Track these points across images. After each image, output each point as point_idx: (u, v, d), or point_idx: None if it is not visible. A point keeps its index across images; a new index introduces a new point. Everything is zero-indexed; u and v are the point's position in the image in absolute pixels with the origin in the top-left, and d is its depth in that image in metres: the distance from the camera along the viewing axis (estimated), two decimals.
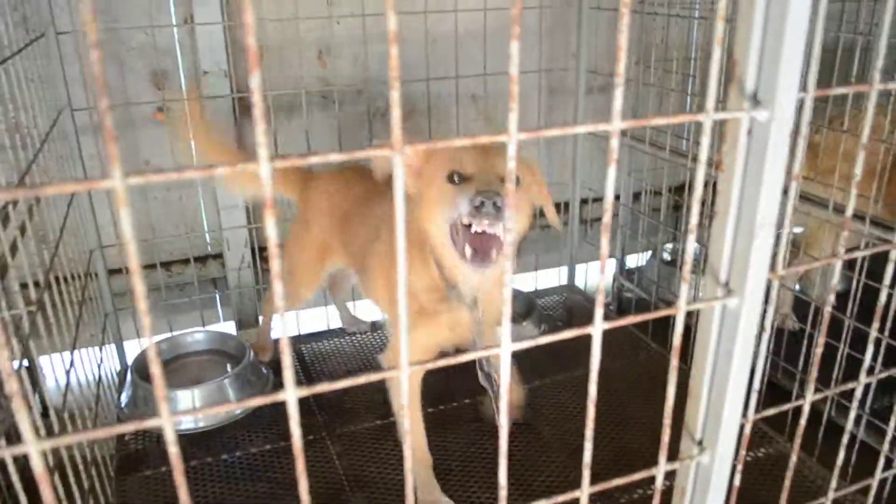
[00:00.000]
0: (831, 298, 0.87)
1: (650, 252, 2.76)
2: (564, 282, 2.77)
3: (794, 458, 0.94)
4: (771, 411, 0.91)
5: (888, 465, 1.10)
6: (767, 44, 0.67)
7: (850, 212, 0.85)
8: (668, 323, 2.37)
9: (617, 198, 2.70)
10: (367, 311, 2.55)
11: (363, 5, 2.29)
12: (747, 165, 0.71)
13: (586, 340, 0.67)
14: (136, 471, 1.85)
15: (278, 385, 2.17)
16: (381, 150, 0.54)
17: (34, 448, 0.49)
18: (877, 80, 0.77)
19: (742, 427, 0.84)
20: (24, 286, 1.31)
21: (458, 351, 1.70)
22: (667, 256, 2.78)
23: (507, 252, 0.91)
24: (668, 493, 0.82)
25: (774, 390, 2.04)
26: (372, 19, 2.32)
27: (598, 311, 0.65)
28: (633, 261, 2.77)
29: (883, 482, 1.20)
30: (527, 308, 2.44)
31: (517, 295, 2.50)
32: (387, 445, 1.91)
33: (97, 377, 1.89)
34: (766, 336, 0.84)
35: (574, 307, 2.64)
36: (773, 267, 0.79)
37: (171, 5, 2.21)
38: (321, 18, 2.36)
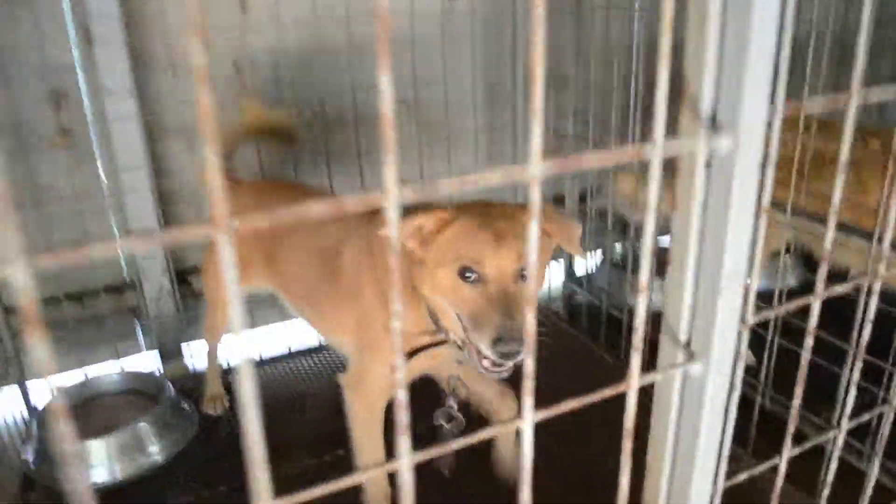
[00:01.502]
0: (809, 344, 0.74)
1: (600, 252, 2.65)
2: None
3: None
4: (742, 476, 0.78)
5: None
6: (727, 51, 0.53)
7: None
8: (620, 328, 2.27)
9: (562, 199, 2.57)
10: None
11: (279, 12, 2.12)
12: (708, 205, 0.58)
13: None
14: None
15: (203, 424, 1.99)
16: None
17: None
18: (856, 89, 0.64)
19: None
20: None
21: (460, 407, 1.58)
22: (617, 259, 2.68)
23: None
24: None
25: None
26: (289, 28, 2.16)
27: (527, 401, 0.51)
28: (581, 265, 2.66)
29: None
30: None
31: None
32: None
33: None
34: (735, 396, 0.71)
35: (572, 304, 2.58)
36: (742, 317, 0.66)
37: (68, 22, 2.01)
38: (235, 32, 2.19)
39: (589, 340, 2.36)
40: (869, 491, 0.97)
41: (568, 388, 0.58)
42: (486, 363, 1.31)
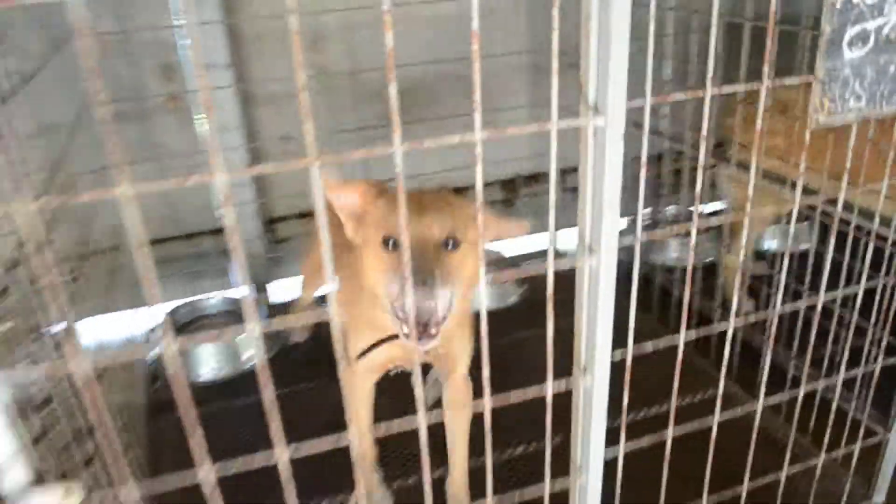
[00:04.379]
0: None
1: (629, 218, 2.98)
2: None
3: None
4: (648, 346, 1.15)
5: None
6: (601, 55, 0.89)
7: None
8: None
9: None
10: None
11: None
12: (596, 159, 0.95)
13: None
14: (164, 412, 2.15)
15: (285, 342, 2.46)
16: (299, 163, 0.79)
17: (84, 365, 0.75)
18: (709, 88, 1.00)
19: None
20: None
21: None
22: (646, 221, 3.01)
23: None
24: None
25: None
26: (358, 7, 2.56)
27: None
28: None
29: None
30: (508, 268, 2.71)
31: (499, 259, 2.77)
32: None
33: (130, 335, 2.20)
34: (634, 285, 1.08)
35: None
36: (633, 231, 1.04)
37: (174, 4, 2.46)
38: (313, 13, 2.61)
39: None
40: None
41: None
42: (405, 329, 1.32)
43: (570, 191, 3.11)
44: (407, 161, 0.77)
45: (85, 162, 2.10)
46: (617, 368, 1.08)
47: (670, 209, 2.92)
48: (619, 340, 1.07)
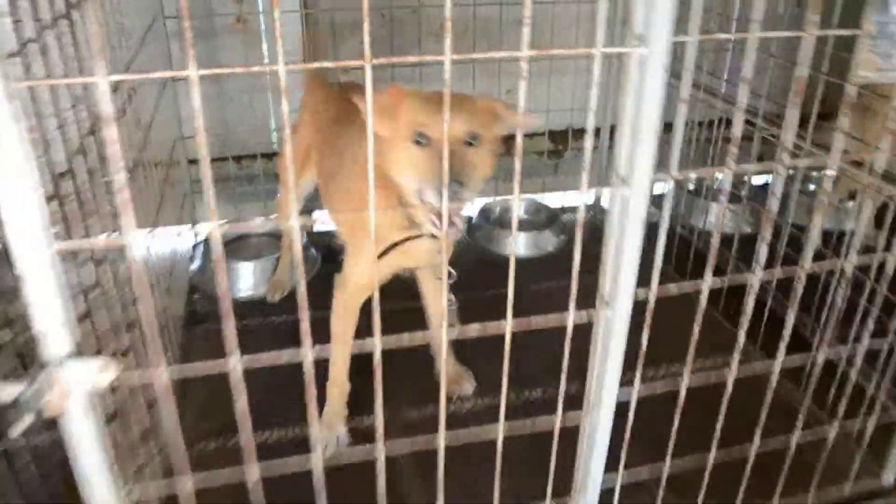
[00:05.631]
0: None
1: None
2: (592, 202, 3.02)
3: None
4: (673, 288, 1.17)
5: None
6: None
7: None
8: (687, 249, 2.57)
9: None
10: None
11: None
12: (638, 90, 0.97)
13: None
14: (200, 324, 2.24)
15: (323, 267, 2.53)
16: (352, 63, 0.83)
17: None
18: (756, 30, 1.00)
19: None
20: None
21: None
22: (691, 186, 2.98)
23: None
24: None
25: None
26: None
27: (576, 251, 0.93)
28: (658, 188, 2.97)
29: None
30: (549, 218, 2.72)
31: (540, 207, 2.79)
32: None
33: (174, 249, 2.29)
34: (663, 226, 1.10)
35: (597, 224, 2.88)
36: (667, 168, 1.05)
37: None
38: None
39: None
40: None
41: None
42: (434, 219, 1.44)
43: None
44: None
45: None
46: (638, 311, 1.11)
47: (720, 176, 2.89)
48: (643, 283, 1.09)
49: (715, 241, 1.14)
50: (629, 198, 1.02)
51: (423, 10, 2.72)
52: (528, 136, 3.01)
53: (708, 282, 1.17)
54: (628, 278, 1.08)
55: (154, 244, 1.89)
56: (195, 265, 2.48)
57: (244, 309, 2.31)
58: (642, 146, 0.98)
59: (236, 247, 2.59)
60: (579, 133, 3.09)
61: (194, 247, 2.60)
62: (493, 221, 2.76)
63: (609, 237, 1.08)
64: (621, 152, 1.01)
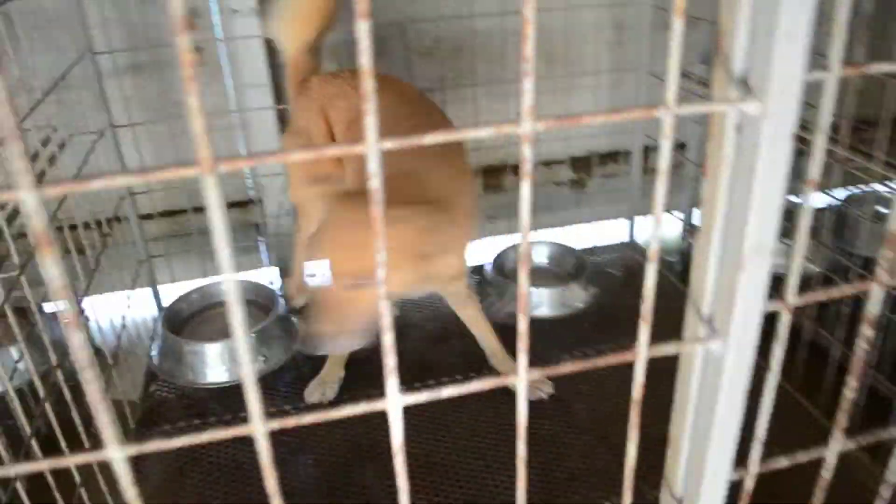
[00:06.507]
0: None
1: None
2: (626, 238, 2.56)
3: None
4: (777, 463, 0.73)
5: None
6: (761, 2, 0.48)
7: None
8: None
9: (682, 146, 2.43)
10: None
11: None
12: (737, 173, 0.53)
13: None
14: (156, 424, 1.83)
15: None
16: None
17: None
18: None
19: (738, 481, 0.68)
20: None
21: None
22: None
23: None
24: None
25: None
26: None
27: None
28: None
29: None
30: (577, 267, 2.26)
31: (565, 251, 2.32)
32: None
33: (122, 323, 1.89)
34: (772, 378, 0.66)
35: (633, 266, 2.42)
36: (779, 294, 0.61)
37: None
38: None
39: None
40: None
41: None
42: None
43: (651, 172, 2.64)
44: None
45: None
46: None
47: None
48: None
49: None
50: (724, 354, 0.58)
51: (412, 25, 2.29)
52: (546, 164, 2.57)
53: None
54: (717, 472, 0.64)
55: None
56: (154, 347, 2.06)
57: (209, 399, 1.89)
58: (745, 279, 0.54)
59: (202, 319, 2.17)
60: (606, 158, 2.65)
61: (154, 322, 2.19)
62: (510, 273, 2.29)
63: (684, 411, 0.64)
64: (705, 283, 0.58)
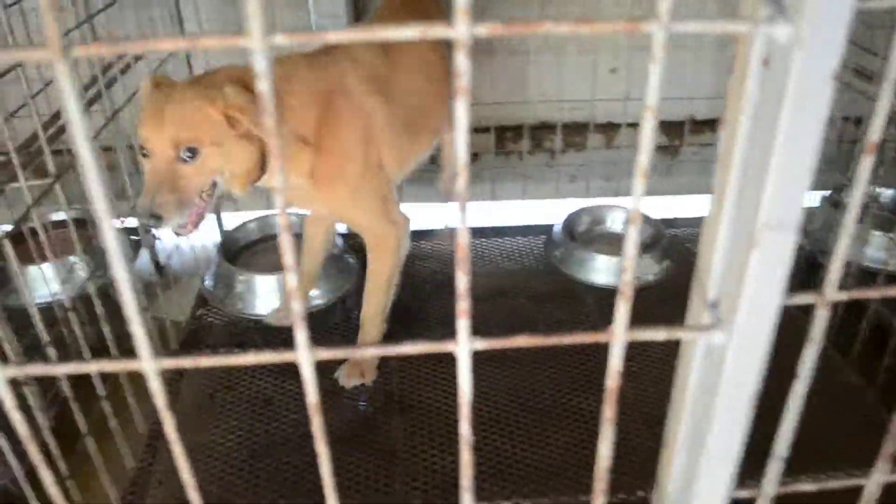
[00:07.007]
0: None
1: (829, 192, 2.24)
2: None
3: None
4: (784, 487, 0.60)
5: None
6: None
7: None
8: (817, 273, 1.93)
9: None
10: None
11: None
12: (759, 124, 0.41)
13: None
14: (197, 348, 1.82)
15: (362, 278, 2.05)
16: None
17: None
18: None
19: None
20: None
21: None
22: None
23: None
24: None
25: None
26: None
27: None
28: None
29: None
30: (652, 237, 2.10)
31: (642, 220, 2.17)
32: None
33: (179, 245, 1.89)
34: (800, 386, 0.54)
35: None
36: (817, 287, 0.48)
37: None
38: None
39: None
40: None
41: None
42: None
43: None
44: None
45: None
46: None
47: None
48: None
49: None
50: (725, 350, 0.47)
51: None
52: (633, 125, 2.39)
53: None
54: (713, 488, 0.53)
55: None
56: (209, 274, 2.05)
57: (261, 333, 1.87)
58: (755, 261, 0.42)
59: (260, 249, 2.16)
60: (702, 125, 2.44)
61: (214, 248, 2.18)
62: (580, 237, 2.16)
63: (680, 408, 0.54)
64: (711, 263, 0.46)
